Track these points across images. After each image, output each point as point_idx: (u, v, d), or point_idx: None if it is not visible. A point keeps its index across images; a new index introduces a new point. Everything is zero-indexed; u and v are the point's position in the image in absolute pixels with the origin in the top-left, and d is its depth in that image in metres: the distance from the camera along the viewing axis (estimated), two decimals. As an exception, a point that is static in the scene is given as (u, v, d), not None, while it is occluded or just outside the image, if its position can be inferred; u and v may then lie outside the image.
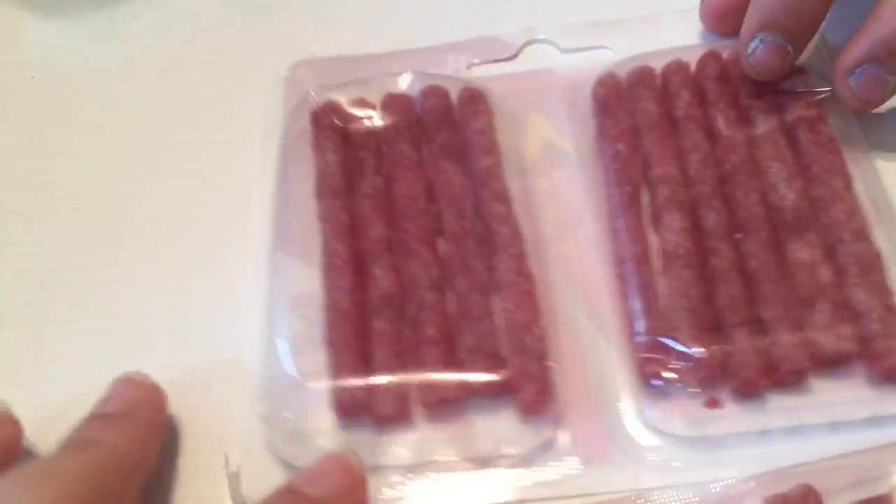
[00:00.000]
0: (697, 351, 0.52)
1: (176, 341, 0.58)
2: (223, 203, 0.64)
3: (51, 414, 0.52)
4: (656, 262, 0.58)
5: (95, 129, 0.68)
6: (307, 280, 0.58)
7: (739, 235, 0.57)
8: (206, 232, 0.63)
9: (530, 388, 0.53)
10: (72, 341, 0.57)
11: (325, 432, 0.53)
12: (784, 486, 0.49)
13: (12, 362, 0.57)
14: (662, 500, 0.50)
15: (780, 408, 0.53)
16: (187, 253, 0.62)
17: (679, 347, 0.53)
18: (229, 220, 0.63)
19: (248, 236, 0.61)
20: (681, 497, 0.50)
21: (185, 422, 0.55)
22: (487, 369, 0.54)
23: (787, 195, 0.59)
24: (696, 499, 0.50)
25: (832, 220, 0.58)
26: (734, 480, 0.50)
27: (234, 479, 0.50)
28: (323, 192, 0.62)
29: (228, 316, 0.59)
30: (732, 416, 0.53)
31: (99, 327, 0.58)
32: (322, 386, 0.53)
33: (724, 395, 0.54)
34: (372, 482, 0.52)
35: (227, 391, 0.56)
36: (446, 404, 0.54)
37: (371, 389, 0.54)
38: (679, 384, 0.52)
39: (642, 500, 0.50)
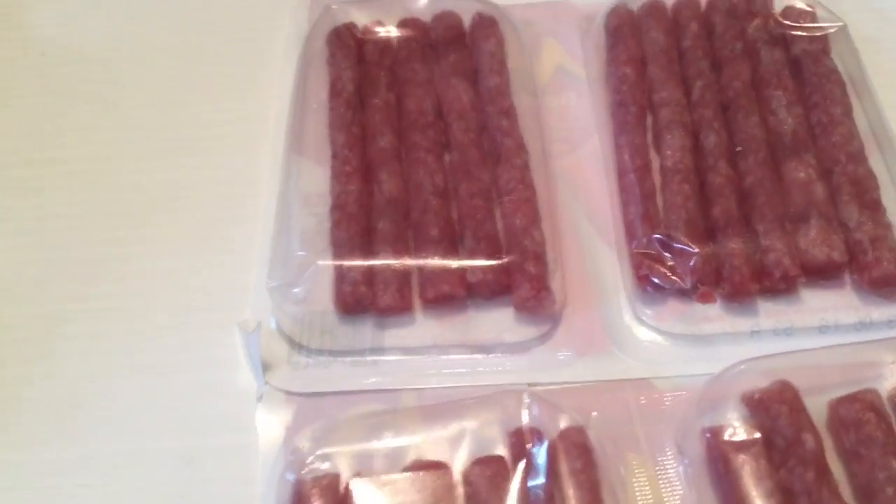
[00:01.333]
0: (692, 248, 0.56)
1: (182, 310, 0.60)
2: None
3: (60, 391, 0.55)
4: (656, 179, 0.61)
5: (107, 105, 0.69)
6: (319, 181, 0.62)
7: (739, 148, 0.60)
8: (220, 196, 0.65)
9: (528, 286, 0.56)
10: (80, 319, 0.59)
11: (329, 317, 0.56)
12: (764, 380, 0.51)
13: (20, 338, 0.58)
14: (651, 386, 0.53)
15: (771, 311, 0.56)
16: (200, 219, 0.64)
17: (675, 245, 0.56)
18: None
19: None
20: (668, 385, 0.53)
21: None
22: (487, 268, 0.57)
23: (787, 120, 0.63)
24: (683, 388, 0.52)
25: (830, 144, 0.62)
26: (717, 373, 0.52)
27: (252, 341, 0.53)
28: (337, 103, 0.65)
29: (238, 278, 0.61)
30: (723, 317, 0.56)
31: (110, 305, 0.59)
32: (329, 265, 0.56)
33: (716, 297, 0.57)
34: (372, 366, 0.55)
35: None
36: (446, 299, 0.57)
37: (373, 284, 0.57)
38: (672, 281, 0.55)
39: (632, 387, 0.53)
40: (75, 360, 0.57)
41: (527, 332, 0.56)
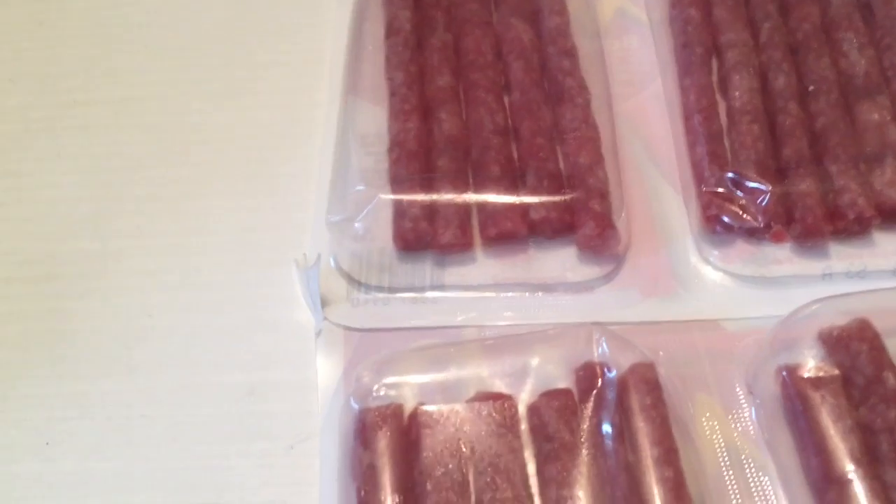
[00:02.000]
0: (764, 185, 0.54)
1: (240, 247, 0.59)
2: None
3: (119, 326, 0.56)
4: (723, 122, 0.60)
5: (161, 47, 0.68)
6: (376, 121, 0.61)
7: (811, 87, 0.58)
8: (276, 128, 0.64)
9: (592, 224, 0.55)
10: (137, 255, 0.59)
11: (388, 253, 0.56)
12: (841, 319, 0.50)
13: (79, 272, 0.58)
14: (720, 328, 0.52)
15: (843, 254, 0.55)
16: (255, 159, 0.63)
17: (746, 183, 0.54)
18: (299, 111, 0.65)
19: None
20: (737, 327, 0.51)
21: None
22: (550, 205, 0.56)
23: (859, 62, 0.61)
24: (752, 330, 0.51)
25: (904, 87, 0.60)
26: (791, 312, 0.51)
27: (310, 277, 0.53)
28: (394, 42, 0.64)
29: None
30: (794, 260, 0.55)
31: (166, 241, 0.59)
32: (390, 200, 0.55)
33: (787, 241, 0.55)
34: (432, 303, 0.54)
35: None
36: (507, 237, 0.56)
37: (433, 221, 0.56)
38: (744, 220, 0.54)
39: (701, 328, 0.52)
40: (134, 295, 0.57)
41: (590, 271, 0.55)
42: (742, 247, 0.56)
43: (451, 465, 0.45)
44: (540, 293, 0.55)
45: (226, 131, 0.64)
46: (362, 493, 0.45)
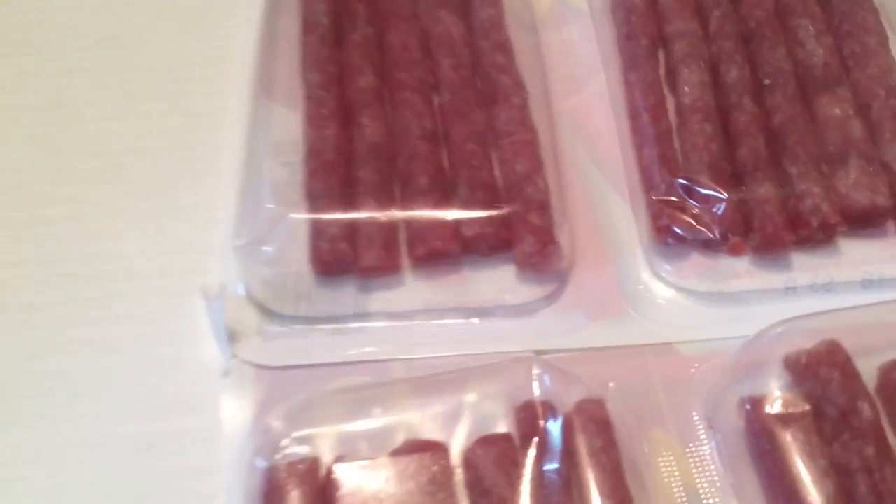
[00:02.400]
0: (720, 193, 0.49)
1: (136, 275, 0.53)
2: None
3: None
4: (672, 121, 0.55)
5: (52, 48, 0.61)
6: (291, 127, 0.55)
7: (767, 81, 0.53)
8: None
9: (531, 239, 0.50)
10: (17, 287, 0.51)
11: (305, 279, 0.50)
12: (808, 342, 0.45)
13: None
14: (675, 352, 0.47)
15: (807, 265, 0.50)
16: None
17: (699, 189, 0.49)
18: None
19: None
20: (694, 350, 0.47)
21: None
22: (485, 220, 0.50)
23: (817, 51, 0.57)
24: (711, 353, 0.46)
25: (865, 77, 0.56)
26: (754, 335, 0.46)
27: (215, 308, 0.47)
28: (310, 39, 0.58)
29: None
30: (754, 273, 0.50)
31: (52, 271, 0.52)
32: (304, 220, 0.49)
33: (747, 248, 0.50)
34: (356, 334, 0.48)
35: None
36: (438, 257, 0.50)
37: (355, 241, 0.50)
38: (698, 231, 0.49)
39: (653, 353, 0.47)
40: (12, 333, 0.50)
41: (531, 292, 0.50)
42: (697, 260, 0.51)
43: None
44: (476, 319, 0.50)
45: (122, 142, 0.57)
46: None
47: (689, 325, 0.49)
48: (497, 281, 0.50)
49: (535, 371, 0.44)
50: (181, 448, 0.46)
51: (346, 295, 0.50)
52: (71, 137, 0.58)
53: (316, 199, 0.52)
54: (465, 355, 0.48)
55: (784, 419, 0.42)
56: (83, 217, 0.54)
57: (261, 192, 0.52)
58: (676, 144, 0.54)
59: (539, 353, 0.47)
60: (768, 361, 0.45)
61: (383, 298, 0.50)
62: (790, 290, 0.50)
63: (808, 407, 0.42)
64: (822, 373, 0.43)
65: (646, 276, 0.51)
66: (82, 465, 0.46)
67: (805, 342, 0.45)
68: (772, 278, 0.50)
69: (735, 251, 0.49)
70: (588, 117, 0.57)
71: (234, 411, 0.47)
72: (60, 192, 0.55)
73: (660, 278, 0.51)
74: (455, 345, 0.49)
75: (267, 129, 0.55)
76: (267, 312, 0.50)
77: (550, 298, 0.50)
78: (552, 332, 0.49)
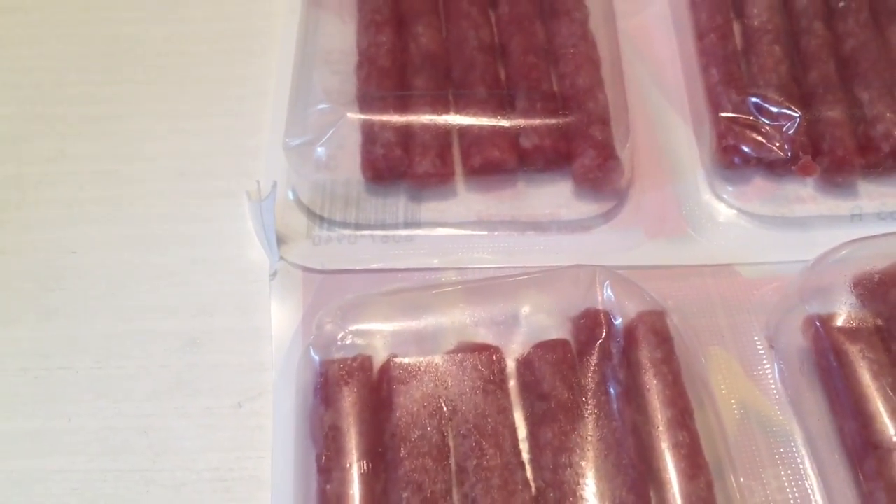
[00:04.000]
0: (791, 111, 0.48)
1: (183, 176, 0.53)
2: None
3: (37, 262, 0.49)
4: (739, 43, 0.54)
5: None
6: (343, 36, 0.54)
7: (842, 4, 0.52)
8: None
9: (592, 153, 0.49)
10: (60, 182, 0.52)
11: (355, 185, 0.49)
12: (876, 264, 0.44)
13: None
14: (735, 274, 0.46)
15: (875, 193, 0.49)
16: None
17: (770, 108, 0.48)
18: None
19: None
20: (754, 272, 0.46)
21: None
22: (544, 131, 0.50)
23: (891, -22, 0.55)
24: (772, 276, 0.45)
25: (942, 7, 0.54)
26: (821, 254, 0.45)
27: (265, 209, 0.47)
28: (363, -55, 0.57)
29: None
30: (819, 198, 0.50)
31: (97, 167, 0.52)
32: (358, 121, 0.49)
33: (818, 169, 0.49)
34: (406, 242, 0.48)
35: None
36: (494, 168, 0.49)
37: (408, 148, 0.50)
38: (768, 149, 0.48)
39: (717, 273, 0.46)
40: (55, 227, 0.50)
41: (588, 208, 0.50)
42: (760, 183, 0.50)
43: (428, 427, 0.39)
44: (530, 232, 0.49)
45: (169, 45, 0.57)
46: (323, 459, 0.39)
47: (750, 248, 0.49)
48: (553, 195, 0.50)
49: (599, 279, 0.43)
50: (227, 345, 0.46)
51: (396, 203, 0.50)
52: (115, 37, 0.57)
53: (369, 104, 0.51)
54: (517, 268, 0.47)
55: (853, 335, 0.41)
56: (126, 116, 0.54)
57: (312, 96, 0.51)
58: (743, 67, 0.52)
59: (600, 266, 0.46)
60: (835, 283, 0.44)
61: (435, 209, 0.50)
62: (856, 217, 0.49)
63: (879, 323, 0.41)
64: (893, 293, 0.42)
65: (707, 197, 0.50)
66: (126, 358, 0.46)
67: (873, 264, 0.44)
68: (838, 205, 0.49)
69: (806, 171, 0.48)
70: (650, 38, 0.56)
71: (281, 312, 0.47)
72: (104, 91, 0.55)
73: (721, 200, 0.50)
74: (508, 257, 0.48)
75: (318, 35, 0.54)
76: (315, 217, 0.50)
77: (608, 215, 0.49)
78: (609, 249, 0.49)
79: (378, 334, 0.43)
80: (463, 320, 0.44)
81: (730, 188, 0.50)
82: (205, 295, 0.47)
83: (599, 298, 0.43)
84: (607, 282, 0.43)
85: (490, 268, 0.48)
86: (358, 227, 0.49)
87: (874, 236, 0.45)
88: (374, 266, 0.48)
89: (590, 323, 0.42)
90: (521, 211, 0.49)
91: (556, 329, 0.44)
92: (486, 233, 0.49)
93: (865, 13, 0.54)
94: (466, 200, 0.50)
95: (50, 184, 0.51)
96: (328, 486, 0.38)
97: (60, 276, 0.48)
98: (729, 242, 0.49)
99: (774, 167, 0.49)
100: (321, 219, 0.49)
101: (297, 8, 0.56)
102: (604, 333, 0.42)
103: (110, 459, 0.43)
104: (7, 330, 0.46)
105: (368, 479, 0.38)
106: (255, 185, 0.48)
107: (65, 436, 0.43)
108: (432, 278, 0.48)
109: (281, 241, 0.48)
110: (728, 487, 0.40)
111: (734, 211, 0.50)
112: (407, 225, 0.49)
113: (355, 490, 0.38)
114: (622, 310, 0.43)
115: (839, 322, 0.42)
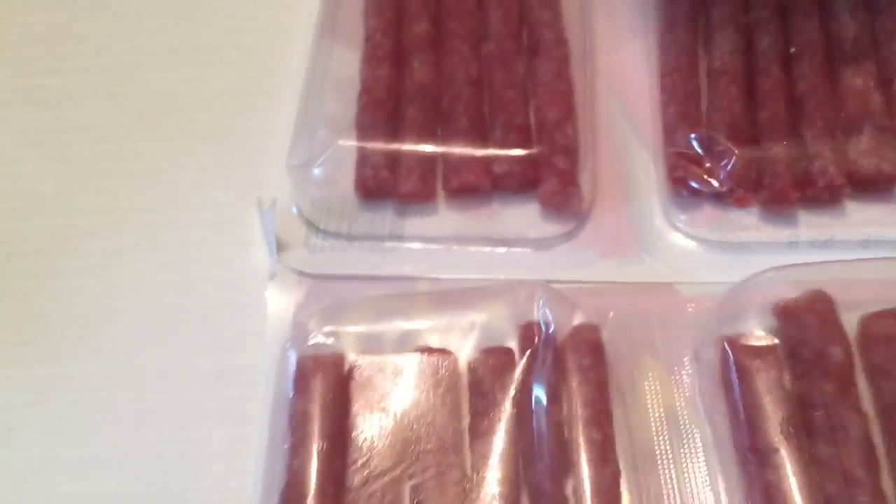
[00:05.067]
0: (732, 149, 0.54)
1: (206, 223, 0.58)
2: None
3: (80, 306, 0.55)
4: (703, 84, 0.60)
5: (123, 9, 0.67)
6: (351, 66, 0.61)
7: (793, 49, 0.58)
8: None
9: (554, 180, 0.55)
10: (103, 232, 0.58)
11: (349, 201, 0.56)
12: (794, 290, 0.50)
13: (41, 251, 0.56)
14: (675, 292, 0.52)
15: (812, 222, 0.55)
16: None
17: (713, 145, 0.54)
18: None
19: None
20: (693, 291, 0.52)
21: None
22: (514, 159, 0.56)
23: (849, 25, 0.60)
24: (709, 295, 0.52)
25: (893, 53, 0.59)
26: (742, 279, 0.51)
27: (267, 218, 0.54)
28: (372, -14, 0.64)
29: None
30: (760, 226, 0.55)
31: (134, 218, 0.58)
32: (351, 147, 0.56)
33: (753, 206, 0.55)
34: (391, 253, 0.55)
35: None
36: (470, 190, 0.56)
37: (396, 170, 0.57)
38: (709, 183, 0.54)
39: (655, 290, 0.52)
40: (100, 274, 0.56)
41: (551, 228, 0.56)
42: (709, 211, 0.56)
43: (380, 416, 0.47)
44: (500, 248, 0.56)
45: (191, 98, 0.64)
46: (293, 439, 0.46)
47: (695, 269, 0.54)
48: (522, 216, 0.56)
49: (539, 295, 0.50)
50: (253, 378, 0.52)
51: (384, 218, 0.56)
52: (151, 94, 0.64)
53: (364, 130, 0.58)
54: (486, 279, 0.54)
55: (753, 352, 0.47)
56: (165, 168, 0.61)
57: (316, 120, 0.59)
58: (703, 105, 0.58)
59: (551, 282, 0.53)
60: (753, 305, 0.49)
61: (418, 224, 0.56)
62: (793, 245, 0.54)
63: (777, 343, 0.47)
64: (803, 318, 0.48)
65: (659, 222, 0.56)
66: (163, 391, 0.52)
67: (791, 290, 0.49)
68: (777, 232, 0.55)
69: (741, 203, 0.54)
70: (626, 74, 0.61)
71: (278, 311, 0.54)
72: (142, 146, 0.62)
73: (672, 225, 0.56)
74: (478, 269, 0.55)
75: (329, 66, 0.62)
76: (313, 228, 0.57)
77: (568, 235, 0.55)
78: (567, 265, 0.55)
79: (350, 335, 0.50)
80: (427, 326, 0.51)
81: (681, 215, 0.56)
82: (233, 334, 0.54)
83: (537, 312, 0.50)
84: (544, 297, 0.50)
85: (462, 278, 0.55)
86: (350, 238, 0.56)
87: (792, 265, 0.50)
88: (361, 273, 0.55)
89: (527, 333, 0.49)
90: (493, 229, 0.56)
91: (508, 336, 0.51)
92: (461, 247, 0.56)
93: (820, 57, 0.59)
94: (446, 218, 0.57)
95: (94, 234, 0.58)
96: (294, 462, 0.46)
97: (106, 319, 0.54)
98: (676, 264, 0.55)
99: (720, 198, 0.55)
100: (318, 230, 0.57)
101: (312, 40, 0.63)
102: (536, 342, 0.48)
103: (150, 483, 0.49)
104: (58, 367, 0.53)
105: (329, 458, 0.46)
106: (260, 199, 0.55)
107: (111, 461, 0.50)
108: (406, 287, 0.54)
109: (282, 248, 0.56)
110: (639, 477, 0.46)
111: (683, 235, 0.56)
112: (392, 237, 0.56)
113: (315, 466, 0.46)
114: (559, 323, 0.49)
115: (745, 341, 0.48)
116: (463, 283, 0.54)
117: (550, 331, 0.48)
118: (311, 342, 0.50)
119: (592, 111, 0.59)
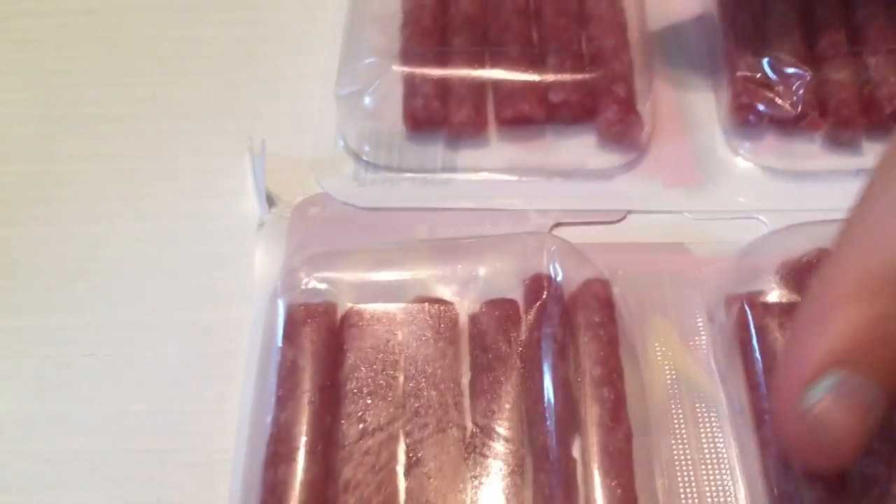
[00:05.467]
0: (801, 71, 0.53)
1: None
2: None
3: (58, 256, 0.52)
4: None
5: None
6: (390, 2, 0.59)
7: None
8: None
9: (614, 109, 0.53)
10: (84, 179, 0.55)
11: (398, 132, 0.54)
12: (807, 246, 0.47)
13: (18, 197, 0.53)
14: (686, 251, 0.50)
15: (878, 152, 0.53)
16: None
17: (782, 68, 0.53)
18: None
19: None
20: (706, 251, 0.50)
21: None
22: (571, 87, 0.54)
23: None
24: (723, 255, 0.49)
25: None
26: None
27: (257, 163, 0.51)
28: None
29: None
30: (826, 155, 0.54)
31: (116, 166, 0.55)
32: (401, 74, 0.54)
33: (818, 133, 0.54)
34: (444, 188, 0.53)
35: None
36: (524, 121, 0.54)
37: (446, 100, 0.54)
38: (778, 107, 0.52)
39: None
40: (78, 223, 0.53)
41: (611, 159, 0.54)
42: (772, 139, 0.54)
43: (376, 368, 0.44)
44: (557, 179, 0.54)
45: (186, 43, 0.61)
46: (280, 391, 0.43)
47: (762, 199, 0.52)
48: (579, 146, 0.54)
49: (547, 246, 0.47)
50: (236, 335, 0.48)
51: (435, 150, 0.54)
52: (136, 40, 0.61)
53: (412, 60, 0.56)
54: (541, 210, 0.52)
55: (772, 312, 0.44)
56: (148, 116, 0.57)
57: (361, 51, 0.56)
58: (763, 30, 0.56)
59: (613, 212, 0.52)
60: (766, 264, 0.47)
61: (469, 156, 0.54)
62: (860, 173, 0.53)
63: (795, 300, 0.45)
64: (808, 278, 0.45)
65: (722, 151, 0.54)
66: (143, 346, 0.48)
67: (804, 248, 0.47)
68: (843, 161, 0.53)
69: (813, 127, 0.52)
70: (678, 2, 0.60)
71: (264, 262, 0.50)
72: (126, 93, 0.59)
73: (736, 153, 0.54)
74: (535, 202, 0.53)
75: (367, 1, 0.59)
76: (361, 162, 0.54)
77: (629, 166, 0.54)
78: (631, 196, 0.53)
79: (346, 283, 0.47)
80: (426, 276, 0.47)
81: (745, 143, 0.54)
82: (218, 287, 0.50)
83: (546, 265, 0.47)
84: (552, 249, 0.47)
85: (517, 211, 0.52)
86: (399, 170, 0.54)
87: (808, 223, 0.48)
88: (413, 205, 0.53)
89: (535, 286, 0.46)
90: (548, 160, 0.54)
91: (512, 290, 0.47)
92: (516, 179, 0.54)
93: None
94: (499, 149, 0.54)
95: (73, 181, 0.54)
96: (282, 415, 0.42)
97: (83, 269, 0.51)
98: (742, 193, 0.53)
99: (785, 125, 0.54)
100: (367, 163, 0.54)
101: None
102: (545, 295, 0.45)
103: (128, 441, 0.46)
104: (33, 319, 0.49)
105: (319, 411, 0.42)
106: (252, 142, 0.52)
107: (86, 418, 0.46)
108: (462, 218, 0.52)
109: (329, 183, 0.53)
110: (650, 442, 0.43)
111: (747, 164, 0.54)
112: (444, 170, 0.54)
113: (305, 419, 0.42)
114: (569, 277, 0.46)
115: (762, 299, 0.45)
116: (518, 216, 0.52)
117: (558, 284, 0.46)
118: (301, 289, 0.46)
119: (646, 41, 0.58)
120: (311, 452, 0.42)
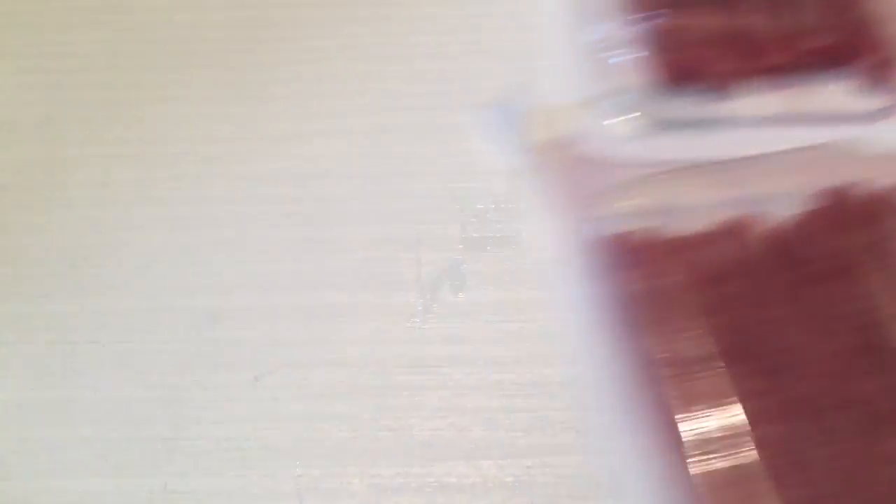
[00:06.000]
0: None
1: None
2: None
3: (63, 242, 0.50)
4: None
5: None
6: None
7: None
8: None
9: (874, 55, 0.46)
10: (89, 163, 0.52)
11: (653, 85, 0.48)
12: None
13: (24, 183, 0.52)
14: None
15: None
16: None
17: None
18: None
19: None
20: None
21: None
22: (829, 34, 0.47)
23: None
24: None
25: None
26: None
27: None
28: None
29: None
30: None
31: (120, 151, 0.53)
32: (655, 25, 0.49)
33: None
34: (705, 143, 0.47)
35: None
36: (783, 69, 0.47)
37: (701, 51, 0.49)
38: None
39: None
40: (83, 207, 0.50)
41: (873, 103, 0.46)
42: None
43: None
44: (817, 126, 0.46)
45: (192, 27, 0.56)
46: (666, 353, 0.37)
47: None
48: (838, 92, 0.47)
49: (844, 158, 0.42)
50: (244, 322, 0.45)
51: (693, 102, 0.48)
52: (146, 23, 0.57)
53: (669, 9, 0.50)
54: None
55: None
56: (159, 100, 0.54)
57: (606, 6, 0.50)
58: None
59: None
60: None
61: (728, 107, 0.48)
62: None
63: None
64: None
65: None
66: (149, 332, 0.45)
67: None
68: None
69: None
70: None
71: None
72: (130, 77, 0.55)
73: None
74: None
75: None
76: (610, 114, 0.48)
77: (891, 109, 0.46)
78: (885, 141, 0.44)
79: (650, 211, 0.43)
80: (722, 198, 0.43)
81: None
82: (225, 274, 0.47)
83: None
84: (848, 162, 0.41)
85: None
86: (658, 125, 0.48)
87: None
88: (672, 159, 0.46)
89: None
90: (808, 106, 0.47)
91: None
92: (777, 127, 0.47)
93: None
94: (758, 98, 0.48)
95: (78, 166, 0.52)
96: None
97: (88, 255, 0.48)
98: None
99: None
100: (623, 118, 0.48)
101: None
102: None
103: (134, 428, 0.42)
104: (36, 305, 0.47)
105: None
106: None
107: (90, 406, 0.43)
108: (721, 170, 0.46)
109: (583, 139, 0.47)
110: None
111: None
112: (703, 122, 0.48)
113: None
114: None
115: None
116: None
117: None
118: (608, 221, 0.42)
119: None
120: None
